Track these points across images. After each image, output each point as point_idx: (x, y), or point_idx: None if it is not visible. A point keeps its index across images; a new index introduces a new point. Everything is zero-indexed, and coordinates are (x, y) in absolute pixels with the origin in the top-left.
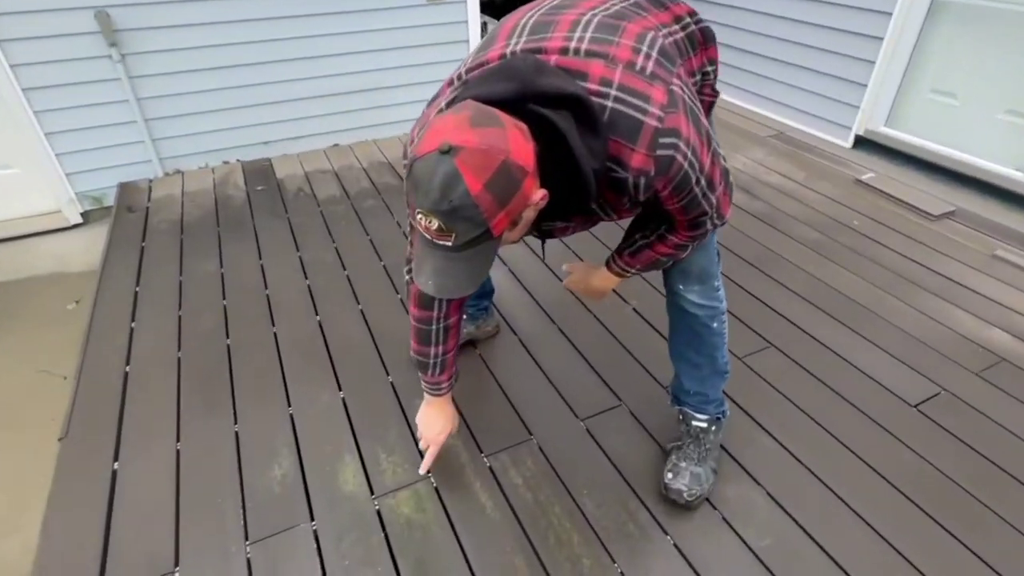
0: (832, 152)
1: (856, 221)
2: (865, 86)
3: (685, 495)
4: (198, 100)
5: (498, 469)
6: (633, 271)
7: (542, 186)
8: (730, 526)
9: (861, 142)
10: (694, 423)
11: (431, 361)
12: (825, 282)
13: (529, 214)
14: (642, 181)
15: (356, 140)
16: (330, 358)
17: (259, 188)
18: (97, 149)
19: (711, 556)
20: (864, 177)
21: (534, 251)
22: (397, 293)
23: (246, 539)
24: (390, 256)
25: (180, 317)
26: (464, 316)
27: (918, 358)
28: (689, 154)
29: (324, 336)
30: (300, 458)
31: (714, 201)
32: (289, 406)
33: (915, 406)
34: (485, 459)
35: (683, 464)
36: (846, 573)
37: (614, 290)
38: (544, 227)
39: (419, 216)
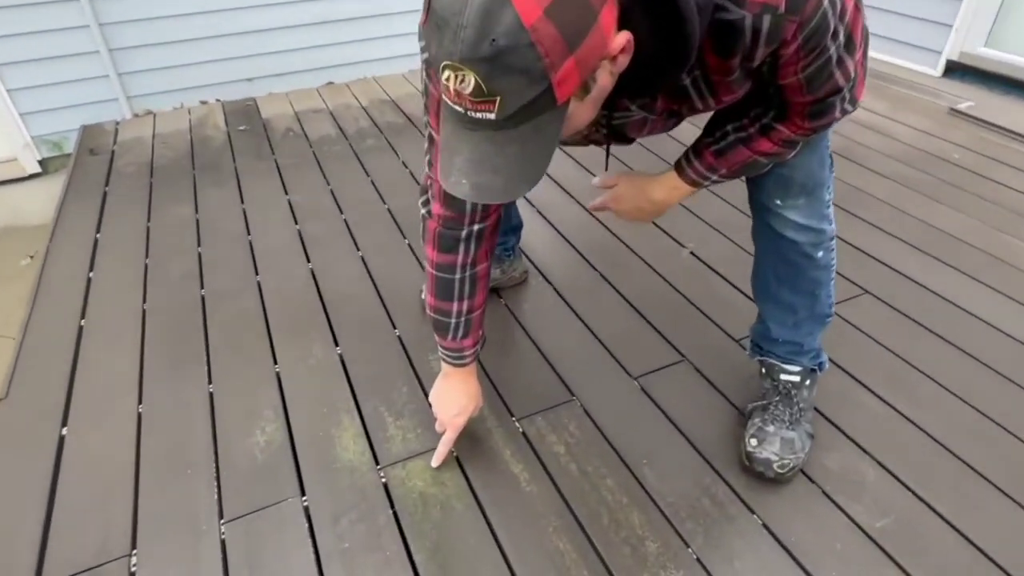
0: (918, 81)
1: (956, 155)
2: (960, 0)
3: (775, 466)
4: (170, 27)
5: (533, 435)
6: (715, 178)
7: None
8: (834, 503)
9: (953, 69)
10: (783, 377)
11: (453, 321)
12: (926, 221)
13: (604, 78)
14: (764, 24)
15: (353, 78)
16: (324, 310)
17: (241, 128)
18: (55, 84)
19: (812, 539)
20: (961, 106)
21: (563, 187)
22: (405, 238)
23: (220, 517)
24: (396, 198)
25: (147, 265)
26: None
27: None
28: None
29: (317, 285)
30: (288, 422)
31: (851, 70)
32: (275, 363)
33: None
34: (516, 423)
35: (770, 428)
36: (988, 558)
37: (665, 231)
38: (616, 119)
39: (445, 75)
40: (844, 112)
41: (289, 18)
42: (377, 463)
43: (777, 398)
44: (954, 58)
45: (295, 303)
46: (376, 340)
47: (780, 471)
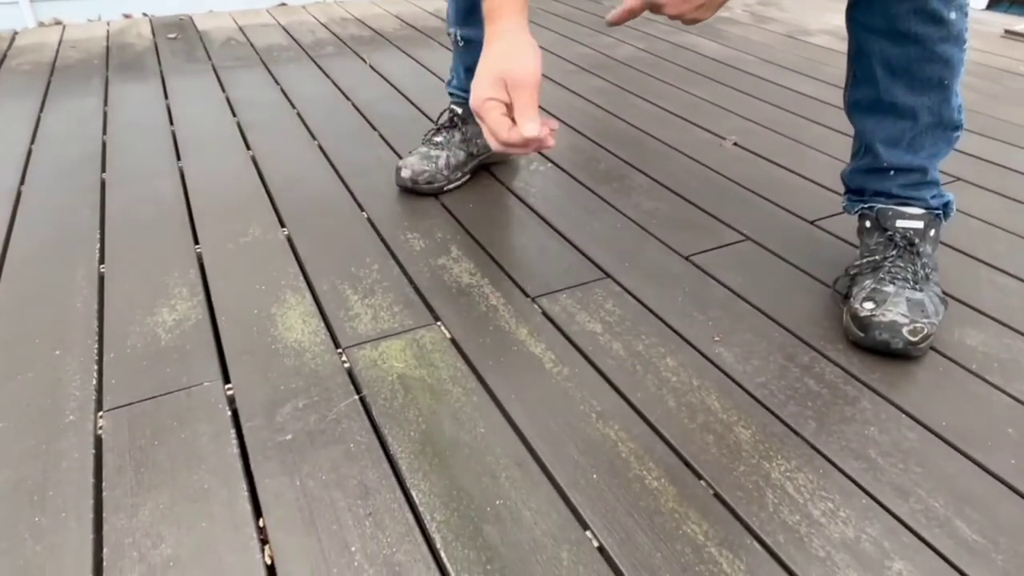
0: None
1: (1023, 68)
2: None
3: (905, 330)
4: None
5: (557, 313)
6: None
7: None
8: (989, 383)
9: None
10: (900, 224)
11: None
12: (1010, 121)
13: None
14: None
15: (312, 0)
16: (267, 192)
17: (171, 36)
18: None
19: (972, 425)
20: (1018, 27)
21: (551, 79)
22: (375, 129)
23: (98, 407)
24: (363, 94)
25: (30, 150)
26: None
27: None
28: None
29: (258, 168)
30: (209, 300)
31: None
32: (196, 244)
33: None
34: (533, 302)
35: (889, 288)
36: None
37: (697, 124)
38: None
39: None
40: None
41: None
42: (337, 345)
43: (894, 252)
44: None
45: (227, 184)
46: (336, 220)
47: (911, 339)
